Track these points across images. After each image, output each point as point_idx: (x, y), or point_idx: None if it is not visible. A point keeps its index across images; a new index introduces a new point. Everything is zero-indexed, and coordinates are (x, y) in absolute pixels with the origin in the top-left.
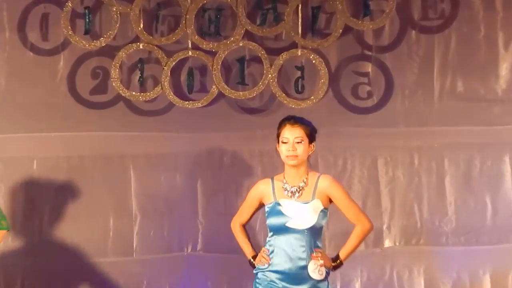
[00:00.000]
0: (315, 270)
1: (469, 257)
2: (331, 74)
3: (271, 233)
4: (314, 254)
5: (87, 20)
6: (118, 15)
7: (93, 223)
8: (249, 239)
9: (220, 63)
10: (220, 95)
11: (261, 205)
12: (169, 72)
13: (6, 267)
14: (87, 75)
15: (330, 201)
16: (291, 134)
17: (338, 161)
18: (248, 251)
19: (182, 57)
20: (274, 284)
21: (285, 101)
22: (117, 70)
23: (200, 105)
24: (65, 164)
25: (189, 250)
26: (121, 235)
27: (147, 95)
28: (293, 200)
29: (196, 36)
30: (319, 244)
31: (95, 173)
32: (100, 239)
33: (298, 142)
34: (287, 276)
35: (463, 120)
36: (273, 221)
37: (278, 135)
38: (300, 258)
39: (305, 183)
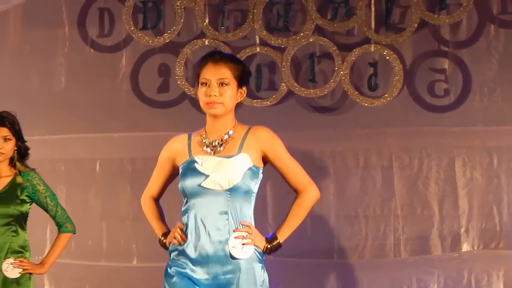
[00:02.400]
0: (237, 246)
1: None
2: (406, 71)
3: (185, 200)
4: (240, 228)
5: (156, 14)
6: (182, 9)
7: None
8: (161, 215)
9: (290, 59)
10: (290, 93)
11: (176, 170)
12: None
13: (68, 271)
14: (150, 73)
15: (264, 161)
16: (214, 74)
17: (413, 161)
18: (158, 229)
19: (250, 53)
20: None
21: (357, 99)
22: (182, 67)
23: (269, 103)
24: (129, 165)
25: None
26: None
27: None
28: (213, 156)
29: (264, 32)
30: (248, 215)
31: None
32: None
33: (222, 85)
34: (201, 256)
35: None
36: (186, 183)
37: (197, 76)
38: (220, 230)
39: (229, 136)
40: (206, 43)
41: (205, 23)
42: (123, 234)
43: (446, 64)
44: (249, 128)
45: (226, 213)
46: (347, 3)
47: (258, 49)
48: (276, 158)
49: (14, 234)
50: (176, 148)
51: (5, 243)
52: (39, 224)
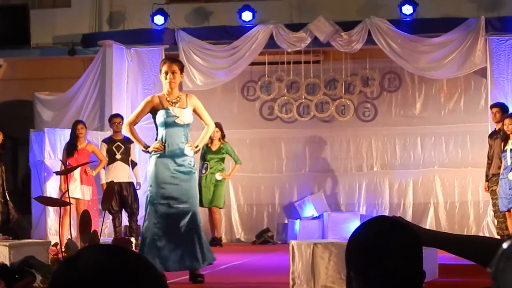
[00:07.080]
0: (188, 149)
1: None
2: None
3: (162, 130)
4: (188, 143)
5: None
6: None
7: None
8: (138, 136)
9: None
10: None
11: (148, 112)
12: None
13: None
14: None
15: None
16: (169, 68)
17: None
18: (141, 144)
19: None
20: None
21: None
22: None
23: None
24: None
25: None
26: None
27: None
28: (175, 107)
29: None
30: (189, 137)
31: None
32: None
33: (173, 73)
34: (172, 155)
35: None
36: (167, 120)
37: (160, 69)
38: (182, 143)
39: (180, 97)
40: None
41: None
42: None
43: None
44: (186, 95)
45: (184, 136)
46: None
47: None
48: (198, 109)
49: None
50: (154, 101)
51: None
52: None
